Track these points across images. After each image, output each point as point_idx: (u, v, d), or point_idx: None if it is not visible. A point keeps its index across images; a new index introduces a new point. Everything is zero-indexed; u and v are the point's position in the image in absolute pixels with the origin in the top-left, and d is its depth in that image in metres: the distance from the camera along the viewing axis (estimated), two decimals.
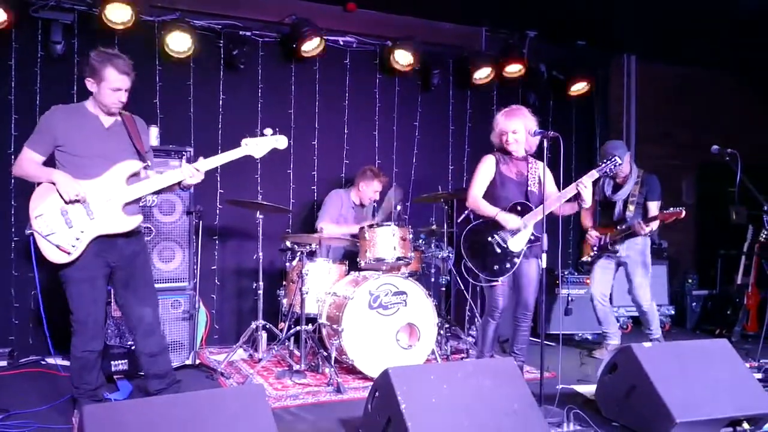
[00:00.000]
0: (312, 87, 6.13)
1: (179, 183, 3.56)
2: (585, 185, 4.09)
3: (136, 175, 3.50)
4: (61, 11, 5.13)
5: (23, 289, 5.17)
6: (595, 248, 5.42)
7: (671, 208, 4.98)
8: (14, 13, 4.96)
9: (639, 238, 5.24)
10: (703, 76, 7.74)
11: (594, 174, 4.16)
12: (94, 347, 3.48)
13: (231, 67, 5.77)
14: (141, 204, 3.72)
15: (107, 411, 2.63)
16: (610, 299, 5.58)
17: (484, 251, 4.26)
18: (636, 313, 6.36)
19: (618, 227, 5.27)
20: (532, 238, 4.24)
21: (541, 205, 4.09)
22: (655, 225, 5.14)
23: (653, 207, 5.26)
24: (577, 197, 4.15)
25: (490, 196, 4.34)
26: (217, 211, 5.75)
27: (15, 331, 5.15)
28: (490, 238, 4.25)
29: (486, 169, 4.37)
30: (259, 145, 3.73)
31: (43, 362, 5.00)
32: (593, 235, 5.43)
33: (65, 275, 3.39)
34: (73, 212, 3.32)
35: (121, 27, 5.14)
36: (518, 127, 4.31)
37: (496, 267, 4.23)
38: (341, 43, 6.20)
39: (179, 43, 5.37)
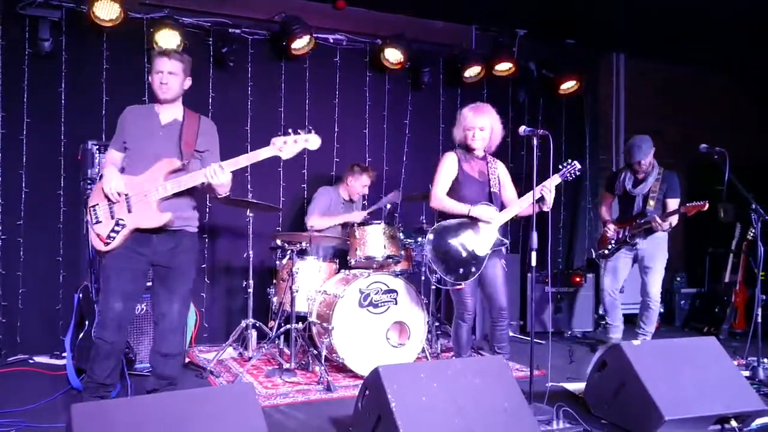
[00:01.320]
0: (302, 85, 6.12)
1: (210, 185, 3.54)
2: (549, 190, 4.11)
3: (176, 172, 3.53)
4: (48, 8, 5.09)
5: (11, 287, 5.13)
6: (613, 241, 5.44)
7: (694, 201, 4.99)
8: (1, 10, 4.92)
9: (659, 234, 5.28)
10: (691, 75, 7.78)
11: (556, 179, 4.18)
12: (105, 337, 3.50)
13: (220, 65, 5.75)
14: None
15: (96, 409, 2.62)
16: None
17: (448, 254, 4.21)
18: (630, 311, 6.42)
19: (637, 221, 5.30)
20: (498, 241, 4.24)
21: (506, 208, 4.25)
22: (674, 220, 5.19)
23: (673, 204, 5.29)
24: (540, 200, 4.14)
25: (454, 195, 4.31)
26: (207, 209, 5.73)
27: (2, 330, 5.11)
28: (455, 240, 4.21)
29: (448, 167, 4.35)
30: (288, 145, 3.54)
31: (30, 361, 4.98)
32: (612, 228, 5.46)
33: (102, 261, 3.63)
34: (117, 205, 3.50)
35: (109, 24, 5.11)
36: (486, 125, 4.30)
37: (461, 270, 4.19)
38: (331, 41, 6.19)
39: (168, 40, 5.33)
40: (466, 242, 4.21)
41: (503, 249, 4.09)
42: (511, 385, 3.22)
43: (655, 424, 3.25)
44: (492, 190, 4.33)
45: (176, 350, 3.72)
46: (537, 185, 4.03)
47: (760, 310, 4.58)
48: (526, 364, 3.85)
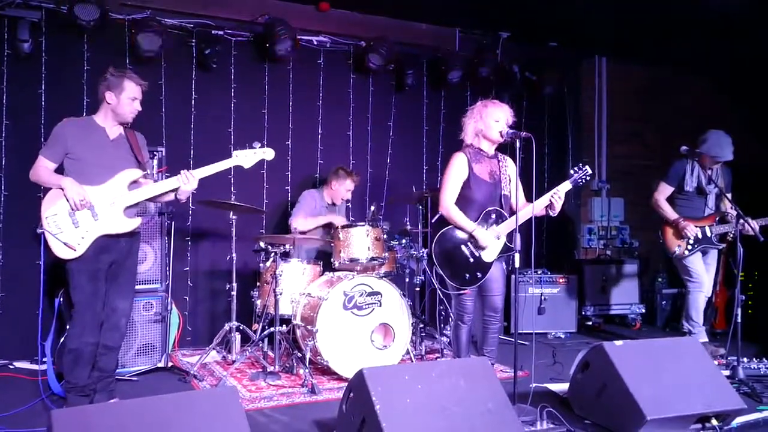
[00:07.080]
0: (285, 87, 6.10)
1: (175, 191, 3.89)
2: (560, 197, 4.12)
3: (136, 182, 3.84)
4: (28, 9, 5.04)
5: None
6: (691, 242, 5.29)
7: None
8: None
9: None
10: (672, 77, 7.85)
11: (567, 185, 4.18)
12: (87, 339, 3.72)
13: (203, 67, 5.71)
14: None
15: (77, 415, 2.59)
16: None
17: (454, 259, 4.19)
18: (616, 312, 6.61)
19: (718, 220, 5.29)
20: (505, 248, 4.23)
21: (515, 216, 4.00)
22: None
23: (727, 199, 5.32)
24: (548, 205, 4.17)
25: (462, 198, 4.25)
26: (190, 211, 5.70)
27: None
28: (462, 246, 4.20)
29: (458, 169, 4.26)
30: (248, 157, 4.09)
31: (11, 366, 4.92)
32: (692, 228, 5.28)
33: (71, 268, 3.69)
34: (80, 214, 3.65)
35: (90, 25, 5.05)
36: (502, 118, 4.23)
37: (467, 276, 4.19)
38: (315, 42, 6.18)
39: (150, 42, 5.29)
40: (473, 248, 4.19)
41: (514, 249, 3.97)
42: (495, 386, 3.23)
43: (637, 423, 3.27)
44: (503, 192, 4.28)
45: (119, 344, 3.98)
46: (518, 187, 4.05)
47: (739, 310, 4.62)
48: (510, 365, 3.87)
